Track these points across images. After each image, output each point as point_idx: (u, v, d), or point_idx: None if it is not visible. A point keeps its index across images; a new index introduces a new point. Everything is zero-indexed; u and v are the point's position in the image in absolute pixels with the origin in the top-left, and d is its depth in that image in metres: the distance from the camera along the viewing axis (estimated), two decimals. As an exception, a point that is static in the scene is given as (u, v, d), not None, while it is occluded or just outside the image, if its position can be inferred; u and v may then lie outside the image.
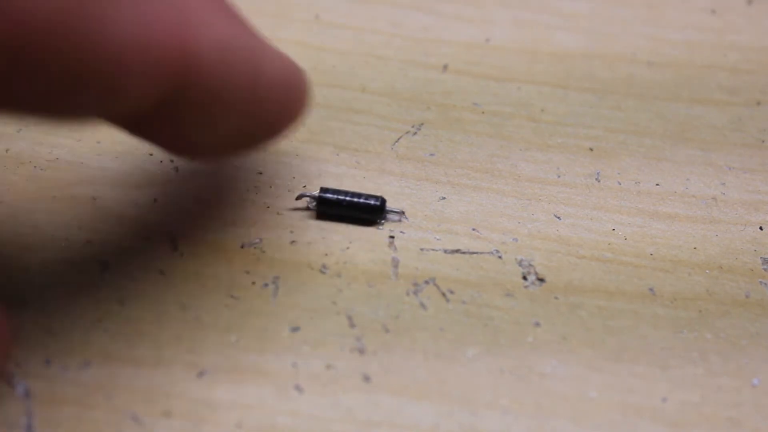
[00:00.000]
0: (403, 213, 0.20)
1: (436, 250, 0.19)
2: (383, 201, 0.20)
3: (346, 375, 0.17)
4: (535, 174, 0.21)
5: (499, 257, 0.19)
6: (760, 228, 0.21)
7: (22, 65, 0.11)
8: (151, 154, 0.21)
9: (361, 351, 0.17)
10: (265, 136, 0.17)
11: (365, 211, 0.20)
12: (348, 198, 0.20)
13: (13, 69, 0.11)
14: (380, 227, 0.20)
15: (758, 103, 0.24)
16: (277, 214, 0.20)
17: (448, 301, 0.19)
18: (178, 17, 0.12)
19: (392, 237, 0.20)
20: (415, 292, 0.19)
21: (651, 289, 0.19)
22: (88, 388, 0.16)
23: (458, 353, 0.18)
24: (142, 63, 0.12)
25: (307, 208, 0.20)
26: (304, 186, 0.21)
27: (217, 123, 0.14)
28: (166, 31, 0.12)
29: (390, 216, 0.20)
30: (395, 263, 0.19)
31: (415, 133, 0.22)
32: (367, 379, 0.17)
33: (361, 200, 0.20)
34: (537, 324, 0.18)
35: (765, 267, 0.20)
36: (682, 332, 0.18)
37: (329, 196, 0.20)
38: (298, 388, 0.17)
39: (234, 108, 0.14)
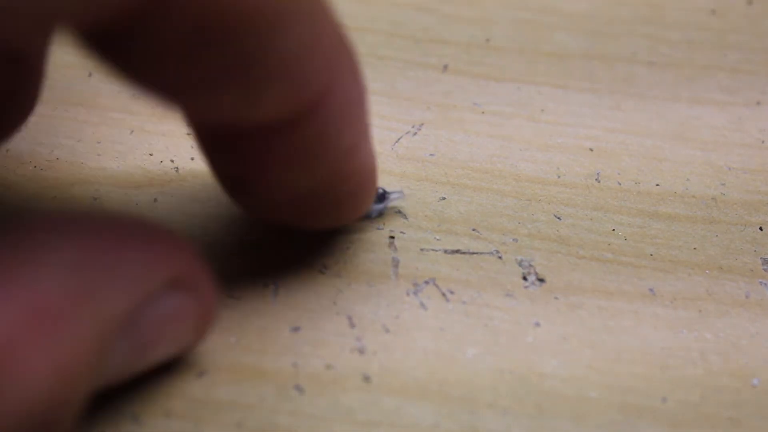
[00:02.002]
0: (401, 191, 0.20)
1: (436, 250, 0.19)
2: (383, 190, 0.20)
3: (346, 375, 0.17)
4: (535, 174, 0.21)
5: (499, 257, 0.19)
6: (760, 228, 0.21)
7: None
8: (151, 155, 0.21)
9: (361, 351, 0.17)
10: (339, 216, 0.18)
11: None
12: None
13: None
14: (380, 228, 0.20)
15: (758, 103, 0.24)
16: (277, 214, 0.20)
17: (448, 301, 0.19)
18: None
19: (392, 237, 0.20)
20: (415, 292, 0.19)
21: (651, 289, 0.19)
22: (88, 388, 0.16)
23: (458, 353, 0.18)
24: None
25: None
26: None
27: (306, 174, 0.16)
28: None
29: (392, 196, 0.20)
30: (395, 263, 0.19)
31: (415, 133, 0.22)
32: (367, 379, 0.17)
33: None
34: (537, 324, 0.18)
35: (765, 267, 0.20)
36: (682, 332, 0.18)
37: None
38: (298, 388, 0.17)
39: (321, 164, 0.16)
